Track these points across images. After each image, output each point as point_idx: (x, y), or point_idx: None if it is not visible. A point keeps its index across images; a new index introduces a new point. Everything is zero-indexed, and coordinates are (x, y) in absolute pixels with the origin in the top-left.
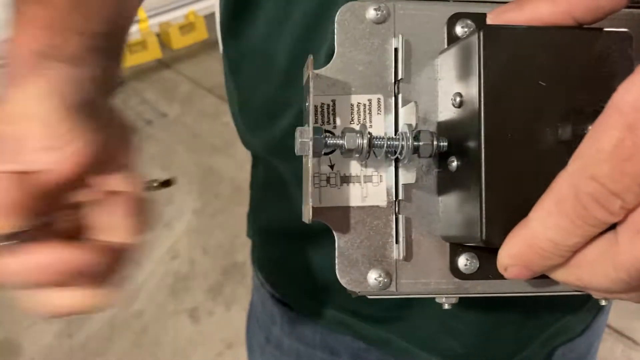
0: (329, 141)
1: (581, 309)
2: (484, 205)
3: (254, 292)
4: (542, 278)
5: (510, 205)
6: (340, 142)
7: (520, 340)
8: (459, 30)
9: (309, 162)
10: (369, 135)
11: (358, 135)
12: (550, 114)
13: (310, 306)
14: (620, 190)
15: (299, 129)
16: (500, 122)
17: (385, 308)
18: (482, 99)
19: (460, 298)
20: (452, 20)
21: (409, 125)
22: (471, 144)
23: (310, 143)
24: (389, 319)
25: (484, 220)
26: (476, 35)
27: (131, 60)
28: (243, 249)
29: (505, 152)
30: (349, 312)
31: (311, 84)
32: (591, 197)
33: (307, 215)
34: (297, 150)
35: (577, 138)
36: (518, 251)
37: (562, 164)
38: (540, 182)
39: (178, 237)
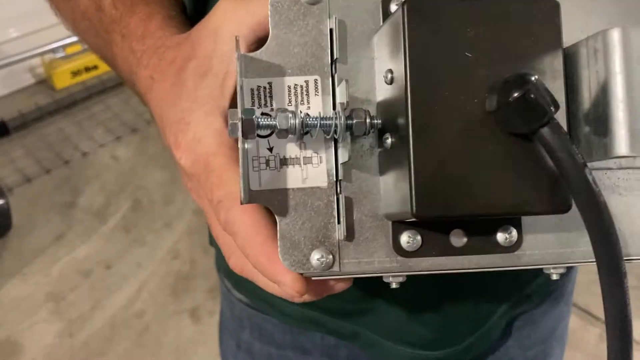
0: (261, 122)
1: (535, 281)
2: (413, 179)
3: (221, 301)
4: (486, 253)
5: (440, 179)
6: (273, 122)
7: (480, 315)
8: (393, 7)
9: (242, 144)
10: (301, 115)
11: (290, 115)
12: (477, 85)
13: (279, 307)
14: None
15: (229, 110)
16: (427, 95)
17: (353, 300)
18: (409, 73)
19: (423, 283)
20: None
21: (342, 104)
22: (401, 119)
23: (240, 124)
24: (357, 312)
25: (413, 194)
26: (401, 10)
27: None
28: None
29: (433, 125)
30: (318, 308)
31: (238, 65)
32: None
33: (242, 198)
34: (229, 132)
35: (503, 107)
36: None
37: (489, 134)
38: (469, 153)
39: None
